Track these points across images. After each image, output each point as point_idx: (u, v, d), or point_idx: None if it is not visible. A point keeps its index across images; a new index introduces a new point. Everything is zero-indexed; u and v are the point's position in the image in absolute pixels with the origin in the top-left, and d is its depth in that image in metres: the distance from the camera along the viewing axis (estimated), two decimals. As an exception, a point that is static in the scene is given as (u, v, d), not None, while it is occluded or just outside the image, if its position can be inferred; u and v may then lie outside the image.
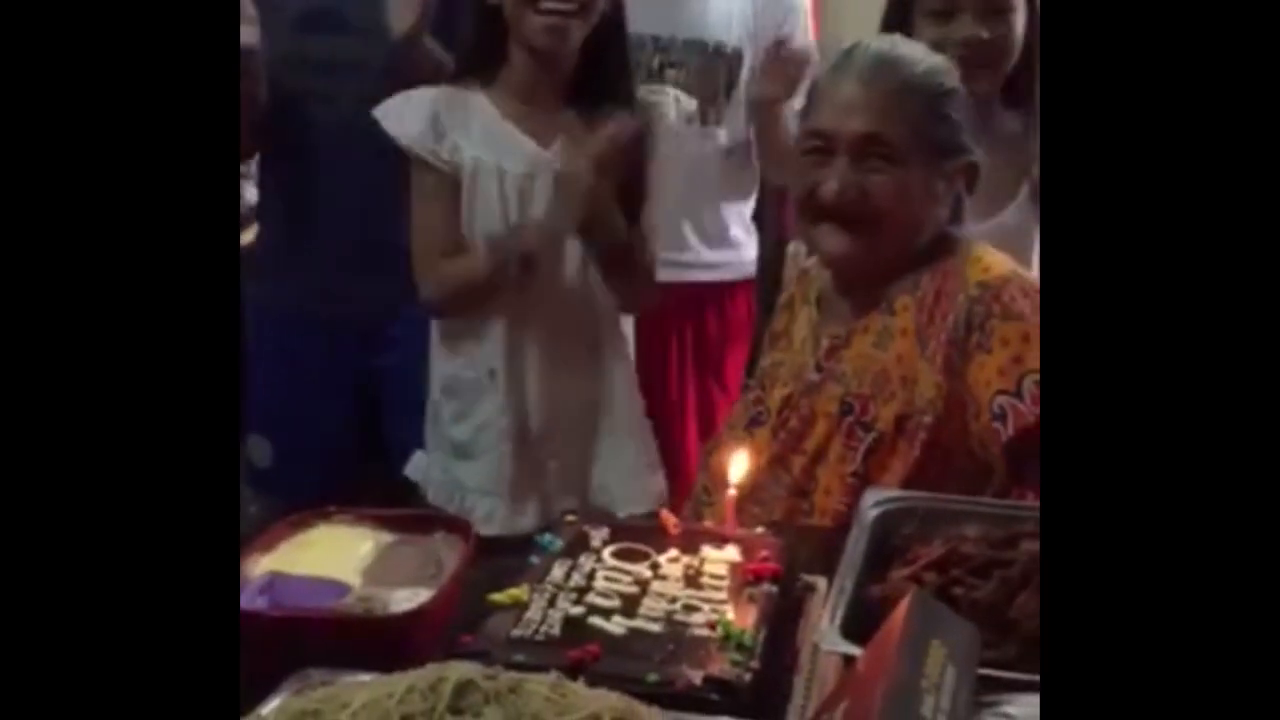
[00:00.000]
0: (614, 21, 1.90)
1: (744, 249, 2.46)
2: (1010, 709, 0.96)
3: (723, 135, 2.36)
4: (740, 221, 2.46)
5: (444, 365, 1.98)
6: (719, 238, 2.40)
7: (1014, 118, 2.01)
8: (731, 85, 2.35)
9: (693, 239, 2.37)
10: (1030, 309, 1.58)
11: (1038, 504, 1.36)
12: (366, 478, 2.10)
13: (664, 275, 2.02)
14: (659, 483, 2.00)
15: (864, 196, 1.60)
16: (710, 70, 2.32)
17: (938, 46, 1.89)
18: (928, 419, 1.57)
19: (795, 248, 1.87)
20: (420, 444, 2.01)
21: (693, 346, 2.40)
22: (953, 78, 1.67)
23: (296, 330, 2.20)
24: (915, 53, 1.67)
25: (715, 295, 2.42)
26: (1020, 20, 1.95)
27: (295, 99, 2.12)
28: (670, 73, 2.30)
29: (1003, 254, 1.67)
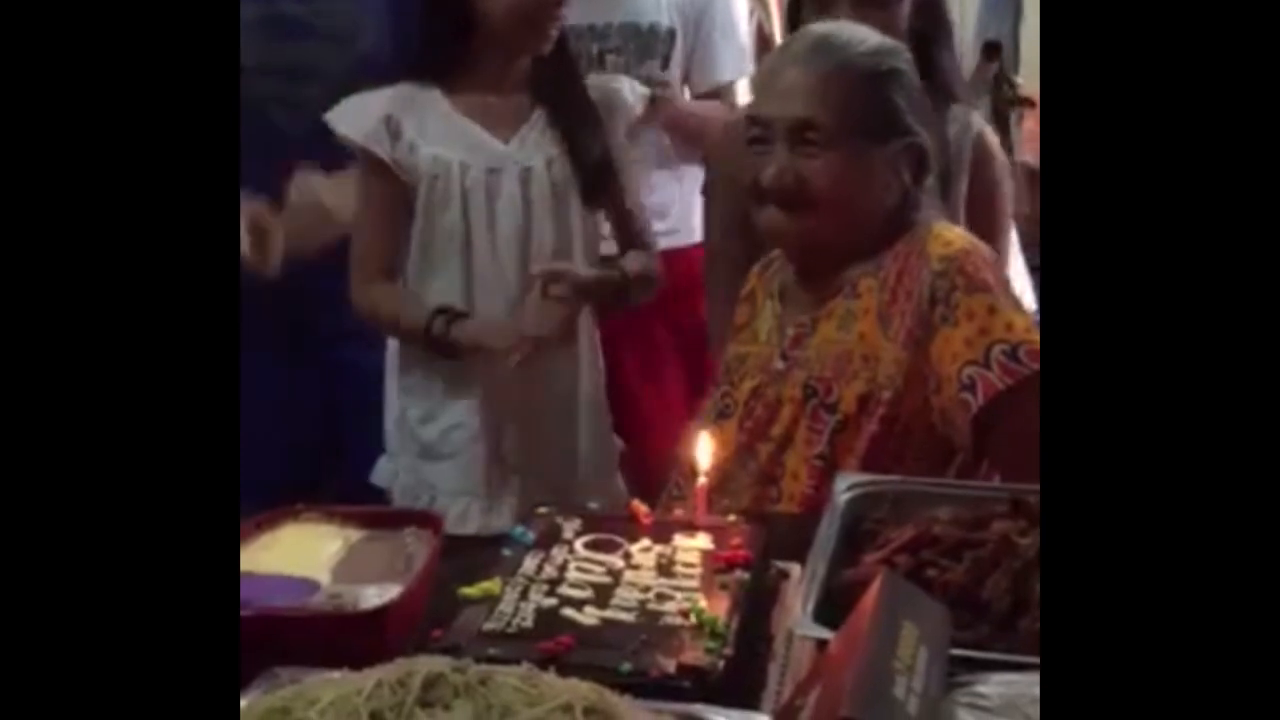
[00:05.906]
0: None
1: (685, 218, 2.44)
2: (982, 689, 0.95)
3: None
4: (678, 191, 2.45)
5: (404, 367, 1.95)
6: (659, 211, 2.37)
7: None
8: (666, 64, 2.41)
9: None
10: (994, 279, 1.58)
11: (1008, 485, 1.36)
12: (331, 478, 2.07)
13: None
14: (619, 483, 2.00)
15: (800, 181, 1.61)
16: (648, 51, 2.37)
17: None
18: (887, 394, 1.57)
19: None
20: (381, 446, 1.99)
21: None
22: (898, 59, 1.66)
23: (261, 332, 2.18)
24: (858, 34, 1.66)
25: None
26: (905, 12, 1.92)
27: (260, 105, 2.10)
28: (610, 59, 2.33)
29: (961, 229, 1.66)
